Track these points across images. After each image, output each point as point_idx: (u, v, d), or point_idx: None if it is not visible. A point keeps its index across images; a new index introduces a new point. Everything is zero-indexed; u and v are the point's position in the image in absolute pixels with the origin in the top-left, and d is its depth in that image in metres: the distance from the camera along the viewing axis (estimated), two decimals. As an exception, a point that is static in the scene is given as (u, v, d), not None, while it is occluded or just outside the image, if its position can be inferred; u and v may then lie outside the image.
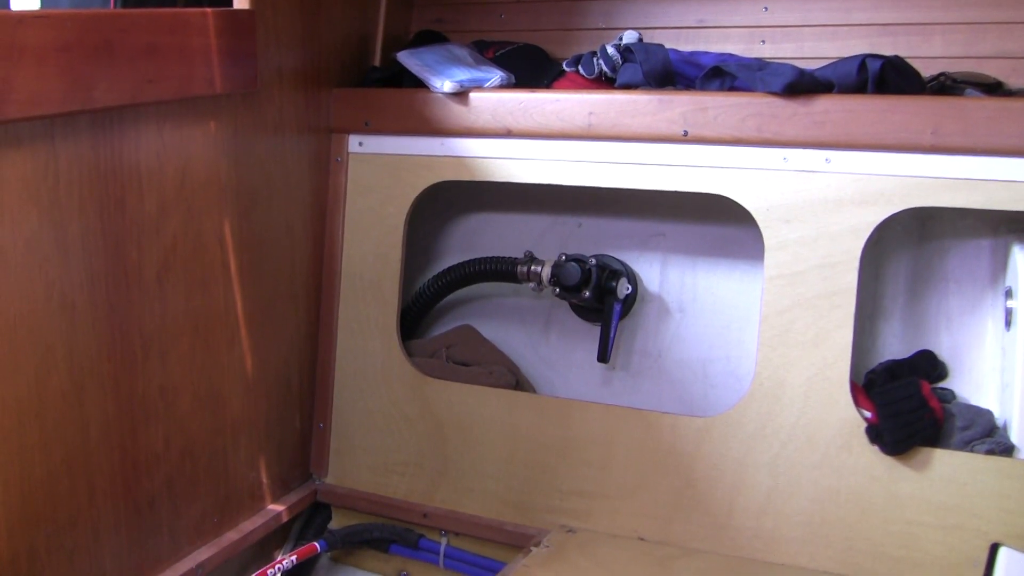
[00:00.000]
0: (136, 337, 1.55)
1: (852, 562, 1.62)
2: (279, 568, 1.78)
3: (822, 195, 1.64)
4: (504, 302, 2.18)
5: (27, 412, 1.37)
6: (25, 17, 1.28)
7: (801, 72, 1.66)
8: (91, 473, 1.50)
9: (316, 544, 1.87)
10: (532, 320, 2.16)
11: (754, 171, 1.69)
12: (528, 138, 1.84)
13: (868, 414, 1.63)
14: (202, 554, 1.73)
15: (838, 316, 1.63)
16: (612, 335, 1.96)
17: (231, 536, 1.80)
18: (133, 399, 1.56)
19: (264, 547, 1.93)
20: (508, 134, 1.85)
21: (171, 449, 1.65)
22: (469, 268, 2.09)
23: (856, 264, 1.62)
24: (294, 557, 1.81)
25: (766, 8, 1.99)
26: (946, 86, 1.75)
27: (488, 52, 2.07)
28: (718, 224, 1.97)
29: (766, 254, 1.68)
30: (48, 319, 1.39)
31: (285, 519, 1.94)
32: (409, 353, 1.99)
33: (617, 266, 2.01)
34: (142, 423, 1.59)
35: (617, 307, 1.96)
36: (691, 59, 1.85)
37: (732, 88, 1.74)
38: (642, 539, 1.76)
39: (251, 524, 1.85)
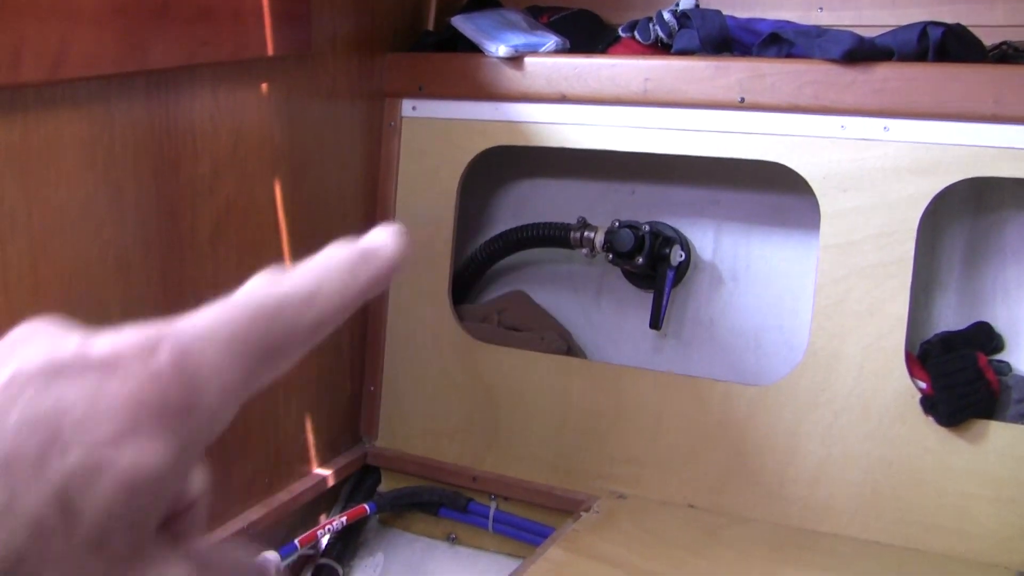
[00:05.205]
0: (190, 299, 1.54)
1: (904, 533, 1.61)
2: (329, 529, 1.79)
3: (880, 164, 1.62)
4: (556, 268, 2.18)
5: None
6: (83, -23, 1.28)
7: (860, 39, 1.64)
8: (144, 433, 1.51)
9: (366, 506, 1.89)
10: (584, 286, 2.16)
11: (811, 139, 1.67)
12: (583, 103, 1.83)
13: (923, 385, 1.61)
14: (252, 514, 1.74)
15: (894, 286, 1.61)
16: (665, 302, 1.95)
17: (281, 497, 1.81)
18: (187, 361, 1.57)
19: (313, 509, 1.95)
20: (563, 99, 1.84)
21: (223, 410, 1.66)
22: (521, 233, 2.09)
23: (913, 234, 1.60)
24: (344, 518, 1.82)
25: (824, -25, 1.97)
26: (1008, 55, 1.72)
27: (542, 17, 2.06)
28: (773, 192, 1.95)
29: (822, 223, 1.66)
30: (103, 279, 1.40)
31: (335, 481, 1.95)
32: (460, 318, 1.99)
33: (670, 233, 1.99)
34: (195, 384, 1.59)
35: (670, 274, 1.95)
36: (748, 26, 1.84)
37: (790, 55, 1.73)
38: (692, 507, 1.76)
39: (301, 485, 1.86)
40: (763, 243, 1.98)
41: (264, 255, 1.72)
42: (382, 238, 0.45)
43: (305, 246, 1.74)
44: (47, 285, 1.31)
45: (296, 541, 1.72)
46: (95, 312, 1.39)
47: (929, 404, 1.59)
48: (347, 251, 0.43)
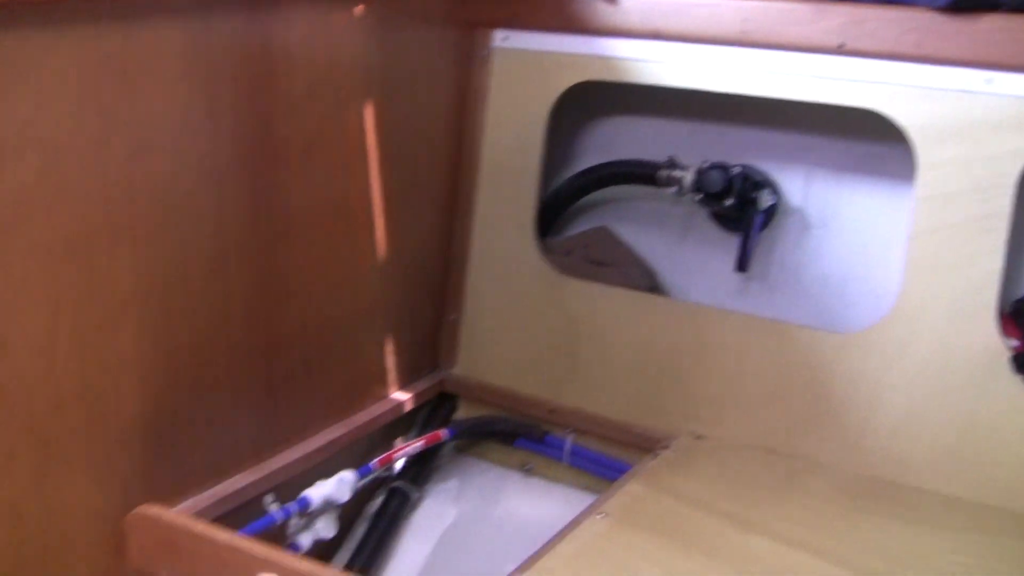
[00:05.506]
0: (280, 215, 1.58)
1: (986, 491, 1.60)
2: (405, 452, 1.81)
3: (981, 117, 1.59)
4: (642, 206, 2.16)
5: (173, 276, 1.41)
6: None
7: (967, -12, 1.61)
8: (232, 344, 1.54)
9: (442, 432, 1.90)
10: (669, 225, 2.15)
11: (910, 88, 1.65)
12: (678, 41, 1.81)
13: (1014, 342, 1.59)
14: (332, 432, 1.77)
15: (989, 241, 1.59)
16: (752, 245, 1.94)
17: (361, 418, 1.83)
18: (273, 275, 1.59)
19: (390, 432, 1.96)
20: (657, 36, 1.82)
21: (307, 328, 1.68)
22: (609, 169, 2.09)
23: (1011, 189, 1.57)
24: (421, 443, 1.84)
25: (928, -79, 1.92)
26: (1122, 9, 1.68)
27: (639, -47, 2.04)
28: (866, 140, 1.93)
29: (918, 173, 1.64)
30: (197, 188, 1.42)
31: (413, 406, 1.97)
32: (544, 251, 1.99)
33: (760, 176, 1.98)
34: (282, 300, 1.62)
35: (759, 218, 1.94)
36: (849, -30, 1.81)
37: (891, 2, 1.69)
38: (771, 451, 1.75)
39: (379, 408, 1.89)
40: (853, 191, 1.96)
41: (352, 177, 1.73)
42: None
43: (393, 171, 1.75)
44: (143, 190, 1.34)
45: (372, 463, 1.74)
46: (189, 220, 1.42)
47: (1020, 362, 1.57)
48: None
